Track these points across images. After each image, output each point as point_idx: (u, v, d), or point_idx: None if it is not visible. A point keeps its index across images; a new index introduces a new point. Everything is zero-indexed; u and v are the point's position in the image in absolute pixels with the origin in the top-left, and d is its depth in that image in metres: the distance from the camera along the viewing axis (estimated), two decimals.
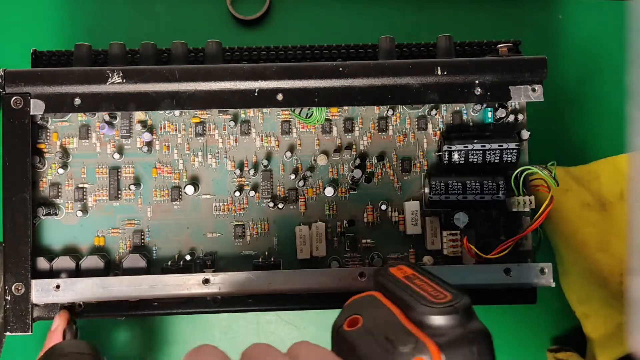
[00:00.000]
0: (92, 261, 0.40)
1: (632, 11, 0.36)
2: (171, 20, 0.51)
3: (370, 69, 0.39)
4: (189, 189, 0.41)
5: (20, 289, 0.38)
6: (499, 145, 0.40)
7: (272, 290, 0.39)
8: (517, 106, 0.42)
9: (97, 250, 0.41)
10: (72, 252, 0.41)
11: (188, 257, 0.41)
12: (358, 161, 0.42)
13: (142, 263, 0.40)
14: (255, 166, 0.42)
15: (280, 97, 0.39)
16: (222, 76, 0.39)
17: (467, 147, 0.40)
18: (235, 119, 0.42)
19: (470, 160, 0.40)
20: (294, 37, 0.53)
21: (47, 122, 0.41)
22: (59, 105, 0.39)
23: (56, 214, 0.41)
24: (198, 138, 0.42)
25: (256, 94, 0.39)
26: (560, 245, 0.50)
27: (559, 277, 0.50)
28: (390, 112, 0.42)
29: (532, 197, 0.40)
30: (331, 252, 0.42)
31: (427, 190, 0.41)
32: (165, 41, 0.42)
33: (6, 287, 0.38)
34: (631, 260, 0.38)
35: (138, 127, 0.41)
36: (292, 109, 0.41)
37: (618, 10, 0.54)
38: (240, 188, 0.42)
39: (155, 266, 0.41)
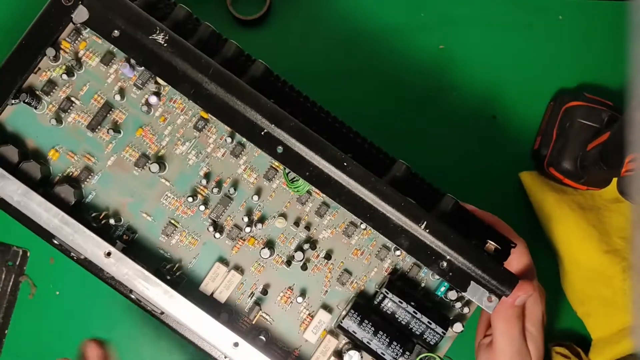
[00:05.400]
0: (32, 167, 0.40)
1: (632, 11, 0.36)
2: None
3: (368, 182, 0.38)
4: (154, 167, 0.41)
5: None
6: (428, 322, 0.39)
7: (152, 303, 0.38)
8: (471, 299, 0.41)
9: (45, 161, 0.41)
10: (26, 147, 0.41)
11: (112, 222, 0.41)
12: (307, 246, 0.41)
13: (71, 198, 0.40)
14: (222, 187, 0.42)
15: (280, 150, 0.39)
16: (246, 97, 0.39)
17: (401, 303, 0.39)
18: (233, 135, 0.42)
19: (397, 316, 0.39)
20: (294, 37, 0.54)
21: (85, 28, 0.42)
22: (98, 26, 0.39)
23: (35, 108, 0.41)
24: (195, 130, 0.42)
25: (262, 134, 0.39)
26: (561, 245, 0.50)
27: (560, 277, 0.50)
28: (364, 225, 0.41)
29: None
30: (230, 304, 0.41)
31: (344, 312, 0.40)
32: None
33: None
34: (634, 260, 0.39)
35: (153, 87, 0.41)
36: (285, 172, 0.41)
37: (618, 10, 0.54)
38: (196, 195, 0.41)
39: (81, 209, 0.41)
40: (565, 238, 0.50)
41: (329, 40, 0.56)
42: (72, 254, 0.39)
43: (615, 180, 0.47)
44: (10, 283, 0.51)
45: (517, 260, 0.42)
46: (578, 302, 0.51)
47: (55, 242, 0.39)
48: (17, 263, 0.51)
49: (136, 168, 0.42)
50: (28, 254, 0.52)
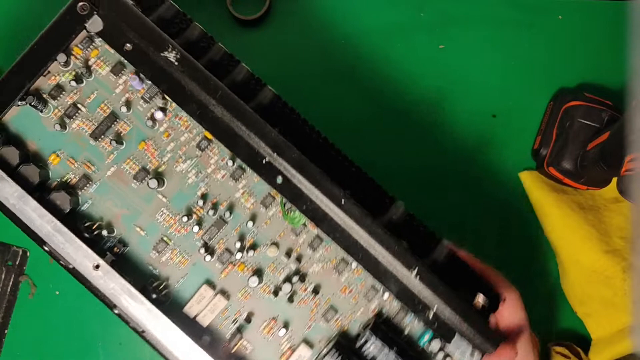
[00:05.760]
0: (30, 170, 0.40)
1: (632, 11, 0.37)
2: None
3: (364, 222, 0.38)
4: (153, 183, 0.41)
5: None
6: None
7: (134, 320, 0.38)
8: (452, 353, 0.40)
9: (45, 165, 0.41)
10: (27, 149, 0.41)
11: (105, 233, 0.41)
12: (296, 278, 0.41)
13: (66, 205, 0.40)
14: (218, 209, 0.41)
15: (279, 180, 0.39)
16: (251, 124, 0.38)
17: (383, 348, 0.39)
18: (235, 158, 0.41)
19: None
20: (294, 37, 0.54)
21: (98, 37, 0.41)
22: (111, 38, 0.39)
23: (41, 111, 0.41)
24: (197, 149, 0.42)
25: (263, 162, 0.39)
26: (561, 245, 0.50)
27: (560, 277, 0.51)
28: (355, 264, 0.41)
29: None
30: (212, 328, 0.41)
31: (325, 350, 0.40)
32: None
33: None
34: (634, 260, 0.40)
35: (160, 102, 0.41)
36: (282, 202, 0.41)
37: (618, 10, 0.54)
38: (191, 214, 0.41)
39: (75, 218, 0.41)
40: (565, 238, 0.51)
41: (329, 40, 0.56)
42: (61, 261, 0.39)
43: (615, 180, 0.47)
44: (10, 283, 0.51)
45: (509, 313, 0.41)
46: (578, 302, 0.51)
47: (46, 248, 0.39)
48: (17, 263, 0.51)
49: (135, 181, 0.41)
50: (28, 254, 0.52)
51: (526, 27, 0.55)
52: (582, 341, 0.52)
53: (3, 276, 0.51)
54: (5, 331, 0.51)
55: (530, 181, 0.53)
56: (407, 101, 0.55)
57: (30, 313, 0.52)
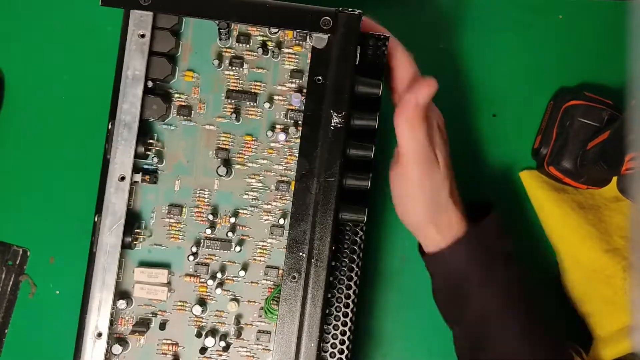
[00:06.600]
0: (164, 65, 0.40)
1: (632, 11, 0.37)
2: None
3: None
4: (222, 170, 0.41)
5: None
6: None
7: (98, 239, 0.39)
8: None
9: (175, 72, 0.42)
10: (179, 50, 0.42)
11: (155, 159, 0.41)
12: (223, 343, 0.41)
13: (155, 115, 0.40)
14: (235, 234, 0.42)
15: (293, 276, 0.39)
16: (323, 225, 0.39)
17: None
18: (286, 217, 0.42)
19: None
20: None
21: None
22: (318, 60, 0.39)
23: (220, 39, 0.41)
24: (275, 184, 0.42)
25: (299, 254, 0.39)
26: (561, 245, 0.51)
27: (560, 277, 0.51)
28: None
29: None
30: (136, 302, 0.41)
31: None
32: None
33: None
34: (634, 259, 0.40)
35: (294, 129, 0.42)
36: (277, 289, 0.41)
37: (618, 10, 0.54)
38: (216, 215, 0.42)
39: (148, 129, 0.42)
40: (566, 237, 0.51)
41: None
42: (106, 147, 0.40)
43: (615, 179, 0.47)
44: (10, 282, 0.51)
45: (400, 66, 0.42)
46: (578, 302, 0.51)
47: (109, 126, 0.40)
48: (17, 262, 0.51)
49: (214, 153, 0.42)
50: (28, 253, 0.51)
51: (526, 27, 0.54)
52: (582, 341, 0.51)
53: (3, 276, 0.50)
54: (5, 331, 0.51)
55: (530, 181, 0.53)
56: None
57: (30, 313, 0.51)
